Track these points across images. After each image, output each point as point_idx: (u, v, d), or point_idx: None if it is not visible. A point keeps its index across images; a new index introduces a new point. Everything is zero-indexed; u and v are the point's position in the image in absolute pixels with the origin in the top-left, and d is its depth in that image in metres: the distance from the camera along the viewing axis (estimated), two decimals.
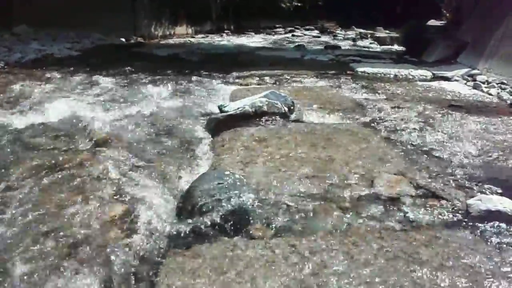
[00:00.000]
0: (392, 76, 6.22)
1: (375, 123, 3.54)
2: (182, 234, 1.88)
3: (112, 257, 1.72)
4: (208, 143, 3.12)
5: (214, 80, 5.69)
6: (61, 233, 1.87)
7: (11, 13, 9.83)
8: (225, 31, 17.20)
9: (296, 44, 12.06)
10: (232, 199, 2.01)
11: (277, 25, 20.01)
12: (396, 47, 11.58)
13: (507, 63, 5.76)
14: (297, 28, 18.92)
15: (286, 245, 1.75)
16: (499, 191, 2.27)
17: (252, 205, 2.03)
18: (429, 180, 2.39)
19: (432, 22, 10.24)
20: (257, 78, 5.82)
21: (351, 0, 19.46)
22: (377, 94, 4.84)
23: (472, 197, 2.15)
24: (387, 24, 15.25)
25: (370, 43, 13.14)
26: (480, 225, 1.92)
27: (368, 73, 6.40)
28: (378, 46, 12.34)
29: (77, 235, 1.87)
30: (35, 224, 1.95)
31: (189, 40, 13.14)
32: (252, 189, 2.19)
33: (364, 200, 2.16)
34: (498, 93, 4.90)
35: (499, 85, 5.21)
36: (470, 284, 1.51)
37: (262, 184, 2.29)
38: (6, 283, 1.58)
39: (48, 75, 5.70)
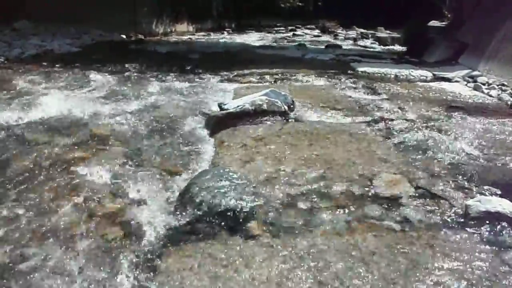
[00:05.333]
0: (392, 76, 6.21)
1: (375, 122, 3.53)
2: (180, 231, 1.87)
3: (109, 254, 1.71)
4: (208, 141, 3.11)
5: (214, 78, 5.68)
6: (58, 230, 1.87)
7: (11, 8, 9.80)
8: (226, 29, 17.19)
9: (297, 43, 12.04)
10: (230, 197, 2.00)
11: (278, 24, 19.98)
12: (397, 47, 11.56)
13: (508, 65, 5.76)
14: (298, 27, 18.89)
15: (285, 243, 1.75)
16: (499, 192, 2.26)
17: (251, 203, 2.02)
18: (429, 180, 2.39)
19: (433, 23, 10.22)
20: (258, 77, 5.81)
21: (353, 0, 19.44)
22: (377, 94, 4.83)
23: (472, 198, 2.14)
24: (388, 24, 15.22)
25: (371, 43, 13.11)
26: (479, 226, 1.92)
27: (369, 73, 6.39)
28: (379, 46, 12.32)
29: (74, 231, 1.86)
30: (32, 219, 1.95)
31: (189, 38, 13.12)
32: (251, 187, 2.18)
33: (363, 199, 2.15)
34: (499, 94, 4.89)
35: (499, 86, 5.21)
36: (469, 285, 1.50)
37: (260, 182, 2.28)
38: (3, 279, 1.58)
39: (48, 71, 5.69)
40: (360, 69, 6.62)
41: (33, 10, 9.96)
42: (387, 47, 12.03)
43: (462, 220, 1.99)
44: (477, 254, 1.69)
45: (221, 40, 12.90)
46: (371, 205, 2.09)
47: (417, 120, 3.63)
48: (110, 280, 1.58)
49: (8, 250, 1.73)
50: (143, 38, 11.70)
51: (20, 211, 2.02)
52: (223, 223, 1.89)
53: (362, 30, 16.23)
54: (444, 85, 5.58)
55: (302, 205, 2.08)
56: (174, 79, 5.48)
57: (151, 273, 1.60)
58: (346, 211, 2.04)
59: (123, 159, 2.68)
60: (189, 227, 1.88)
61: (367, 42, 13.38)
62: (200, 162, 2.72)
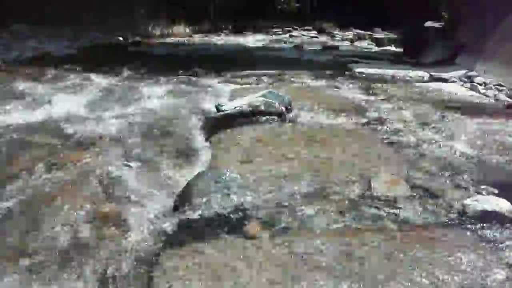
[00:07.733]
0: (389, 77, 6.21)
1: (372, 123, 3.54)
2: (178, 233, 1.87)
3: (107, 256, 1.71)
4: (205, 142, 3.12)
5: (211, 80, 5.68)
6: (56, 231, 1.87)
7: (8, 10, 9.79)
8: (223, 31, 17.15)
9: (294, 44, 12.05)
10: (228, 198, 2.00)
11: (275, 26, 19.93)
12: (394, 48, 11.58)
13: (504, 65, 5.78)
14: (295, 29, 18.85)
15: (282, 244, 1.75)
16: (496, 191, 2.27)
17: (249, 204, 2.02)
18: (426, 180, 2.39)
19: (430, 24, 10.24)
20: (255, 78, 5.81)
21: (350, 1, 19.47)
22: (374, 94, 4.84)
23: (469, 197, 2.15)
24: (385, 25, 15.24)
25: (368, 44, 13.12)
26: (476, 225, 1.92)
27: (366, 74, 6.39)
28: (376, 47, 12.34)
29: (72, 233, 1.86)
30: (29, 221, 1.94)
31: (187, 40, 13.11)
32: (249, 188, 2.18)
33: (361, 200, 2.15)
34: (495, 94, 4.91)
35: (496, 86, 5.22)
36: (466, 284, 1.51)
37: (258, 183, 2.28)
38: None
39: (45, 73, 5.68)
40: (357, 70, 6.63)
41: (30, 12, 9.94)
42: (384, 48, 12.04)
43: (459, 219, 1.99)
44: (474, 253, 1.69)
45: (218, 42, 12.89)
46: (369, 205, 2.10)
47: (414, 120, 3.64)
48: (109, 281, 1.57)
49: (3, 249, 1.73)
50: (140, 40, 11.68)
51: (17, 212, 2.02)
52: (221, 224, 1.89)
53: (359, 31, 16.24)
54: (441, 85, 5.59)
55: (300, 205, 2.08)
56: (171, 80, 5.48)
57: (149, 275, 1.59)
58: (344, 211, 2.04)
59: (121, 161, 2.68)
60: (187, 228, 1.88)
61: (364, 43, 13.38)
62: (198, 163, 2.72)
